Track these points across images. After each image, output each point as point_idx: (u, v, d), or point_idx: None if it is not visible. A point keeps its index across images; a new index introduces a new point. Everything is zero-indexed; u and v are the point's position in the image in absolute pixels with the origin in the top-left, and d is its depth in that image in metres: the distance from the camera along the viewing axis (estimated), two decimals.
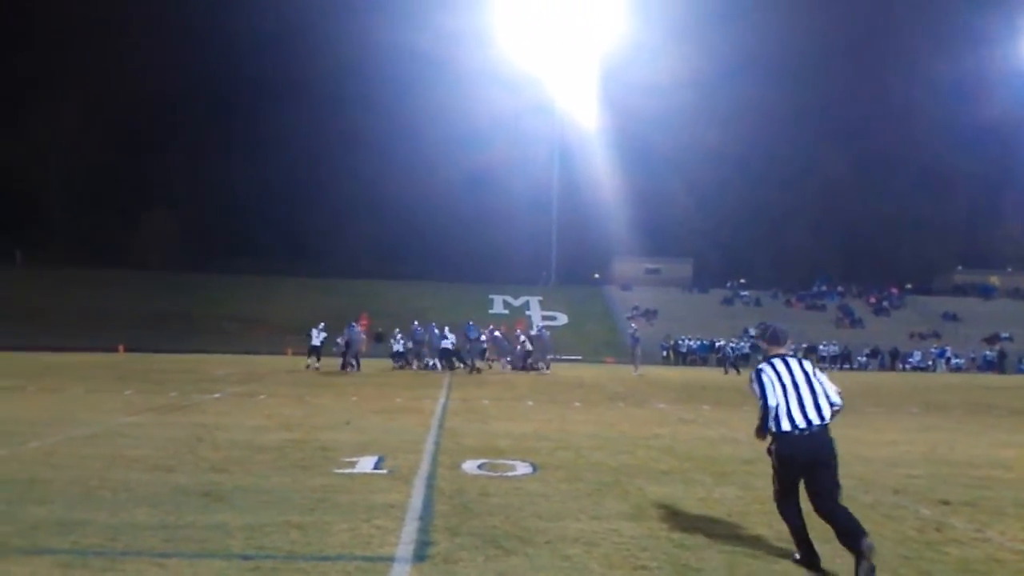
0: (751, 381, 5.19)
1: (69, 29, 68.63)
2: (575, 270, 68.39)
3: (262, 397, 15.48)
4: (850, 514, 4.83)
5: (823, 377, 5.12)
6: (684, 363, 44.02)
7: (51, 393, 15.29)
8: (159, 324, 43.17)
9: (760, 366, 5.22)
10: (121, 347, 36.68)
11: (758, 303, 59.69)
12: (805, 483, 5.01)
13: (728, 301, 60.48)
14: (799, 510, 5.05)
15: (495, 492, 6.75)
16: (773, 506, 5.23)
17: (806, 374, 5.06)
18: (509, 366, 29.68)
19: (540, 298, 58.57)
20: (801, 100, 70.73)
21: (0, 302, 45.97)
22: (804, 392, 4.99)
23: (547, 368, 29.11)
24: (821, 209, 73.32)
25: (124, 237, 68.81)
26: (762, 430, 5.09)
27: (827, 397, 5.03)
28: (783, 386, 5.01)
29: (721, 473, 8.00)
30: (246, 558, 4.75)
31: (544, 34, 62.71)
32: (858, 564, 4.54)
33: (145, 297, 51.32)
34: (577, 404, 15.67)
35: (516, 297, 58.56)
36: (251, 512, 5.83)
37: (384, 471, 7.65)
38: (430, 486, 6.95)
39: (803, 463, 4.98)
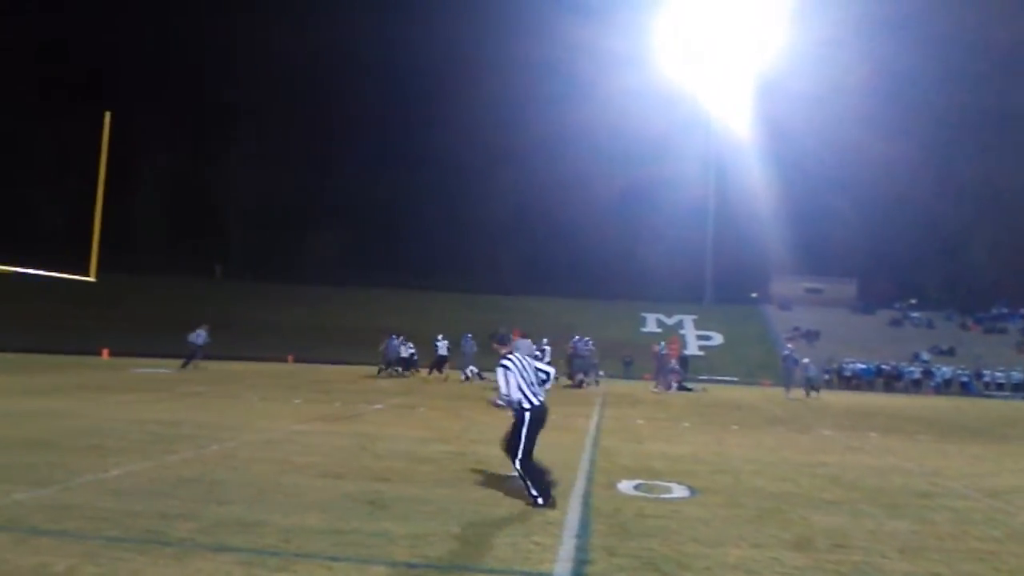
0: (497, 372, 7.16)
1: (256, 66, 73.80)
2: (731, 289, 66.65)
3: (421, 410, 15.93)
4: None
5: (539, 364, 7.46)
6: (848, 387, 41.99)
7: (230, 400, 16.31)
8: (325, 336, 45.24)
9: (503, 361, 7.17)
10: (290, 357, 38.71)
11: (930, 325, 56.31)
12: (532, 439, 7.07)
13: (896, 323, 57.35)
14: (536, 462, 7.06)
15: (652, 514, 6.66)
16: (951, 543, 4.92)
17: (531, 366, 7.32)
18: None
19: (695, 317, 57.50)
20: (978, 107, 66.32)
21: (198, 313, 49.65)
22: (533, 378, 7.20)
23: (595, 383, 28.14)
24: (1001, 224, 68.16)
25: (294, 253, 72.83)
26: (502, 404, 7.53)
27: (543, 381, 7.32)
28: (523, 375, 7.12)
29: (892, 505, 7.57)
30: (410, 566, 4.90)
31: (699, 49, 61.83)
32: (546, 499, 6.73)
33: (313, 310, 54.04)
34: (734, 427, 15.24)
35: (670, 316, 57.73)
36: (414, 521, 6.01)
37: None
38: (586, 504, 6.95)
39: (540, 424, 7.18)
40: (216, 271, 67.71)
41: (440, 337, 30.06)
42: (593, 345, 29.43)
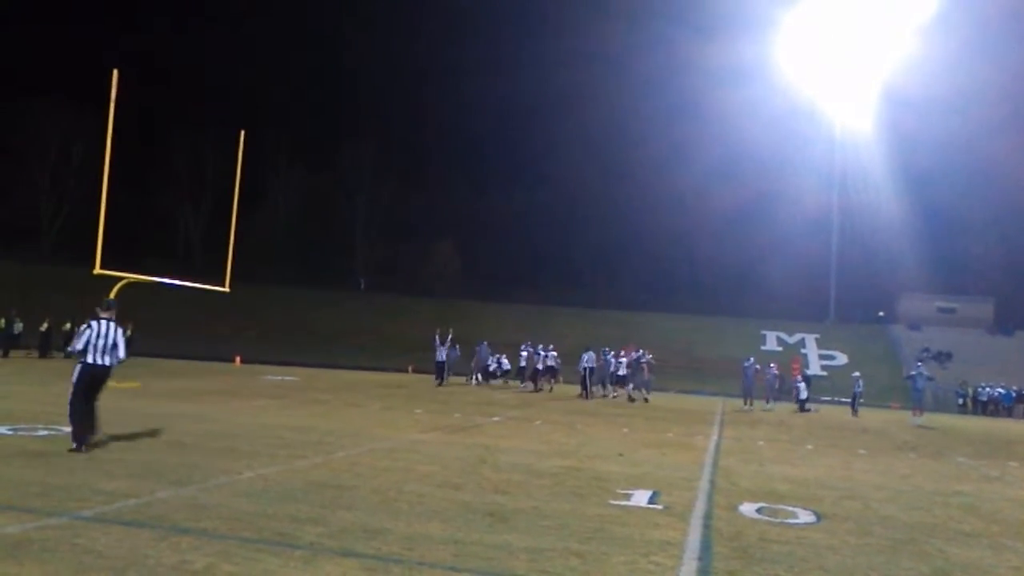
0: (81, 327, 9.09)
1: (369, 83, 76.23)
2: (857, 307, 64.22)
3: (537, 423, 16.00)
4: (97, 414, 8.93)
5: (121, 341, 9.04)
6: (984, 412, 39.72)
7: (354, 408, 16.82)
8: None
9: (89, 322, 8.96)
10: (410, 367, 39.56)
11: None
12: (91, 391, 8.86)
13: None
14: (84, 408, 8.69)
15: (776, 539, 6.48)
16: None
17: (110, 334, 8.94)
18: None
19: (817, 336, 55.71)
20: None
21: (343, 326, 51.56)
22: (104, 344, 8.86)
23: (646, 398, 26.42)
24: None
25: (415, 266, 74.50)
26: (72, 351, 9.08)
27: (116, 352, 9.00)
28: (97, 336, 8.85)
29: None
30: None
31: (823, 59, 60.07)
32: (77, 446, 8.50)
33: (432, 323, 55.06)
34: (862, 451, 14.64)
35: (791, 334, 56.14)
36: (533, 535, 6.04)
37: (659, 506, 7.60)
38: (707, 526, 6.82)
39: (93, 380, 8.87)
40: (361, 283, 69.92)
41: (548, 348, 29.88)
42: (649, 359, 28.56)
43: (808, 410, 27.33)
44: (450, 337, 29.25)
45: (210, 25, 76.66)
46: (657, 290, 71.57)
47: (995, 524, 7.80)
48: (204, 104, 69.84)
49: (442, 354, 29.20)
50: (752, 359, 28.05)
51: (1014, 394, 41.22)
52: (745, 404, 26.73)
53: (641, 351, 28.69)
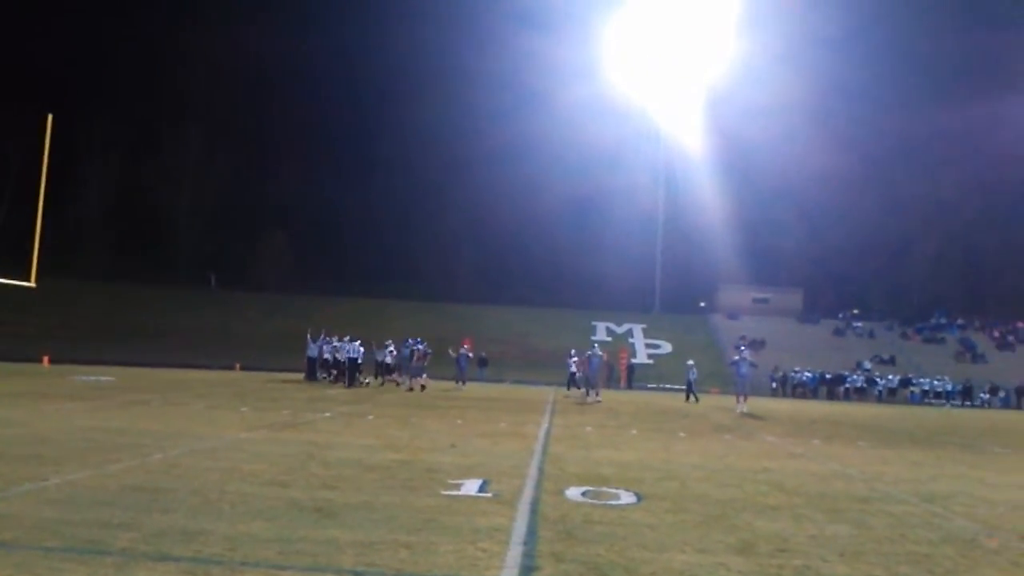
0: None
1: (196, 66, 72.77)
2: (680, 298, 67.52)
3: (370, 418, 15.84)
4: None
5: None
6: (793, 395, 42.77)
7: (175, 407, 16.05)
8: (273, 344, 44.71)
9: None
10: (237, 365, 38.18)
11: (872, 335, 57.69)
12: None
13: (840, 332, 58.65)
14: None
15: (599, 520, 6.72)
16: (889, 546, 5.05)
17: None
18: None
19: (644, 326, 58.06)
20: (919, 123, 68.13)
21: (164, 323, 48.67)
22: None
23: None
24: (941, 237, 70.04)
25: (242, 260, 71.78)
26: None
27: None
28: None
29: (833, 510, 7.74)
30: (357, 574, 4.88)
31: (649, 61, 62.64)
32: None
33: (261, 318, 53.40)
34: (682, 434, 15.43)
35: (619, 324, 58.23)
36: (361, 529, 5.99)
37: (489, 494, 7.71)
38: (534, 511, 6.98)
39: None
40: (211, 280, 66.40)
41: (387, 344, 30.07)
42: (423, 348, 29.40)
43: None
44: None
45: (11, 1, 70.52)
46: (493, 283, 72.48)
47: (797, 497, 8.42)
48: (6, 85, 64.30)
49: (313, 350, 29.45)
50: (596, 347, 28.01)
51: (818, 377, 44.64)
52: (589, 395, 26.47)
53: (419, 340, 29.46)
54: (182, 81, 74.23)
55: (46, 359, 34.35)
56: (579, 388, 28.29)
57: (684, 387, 31.29)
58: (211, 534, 5.63)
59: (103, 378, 25.14)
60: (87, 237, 67.84)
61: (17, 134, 56.96)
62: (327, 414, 16.04)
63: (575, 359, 29.65)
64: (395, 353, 29.97)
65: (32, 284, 20.32)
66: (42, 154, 20.29)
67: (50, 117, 20.11)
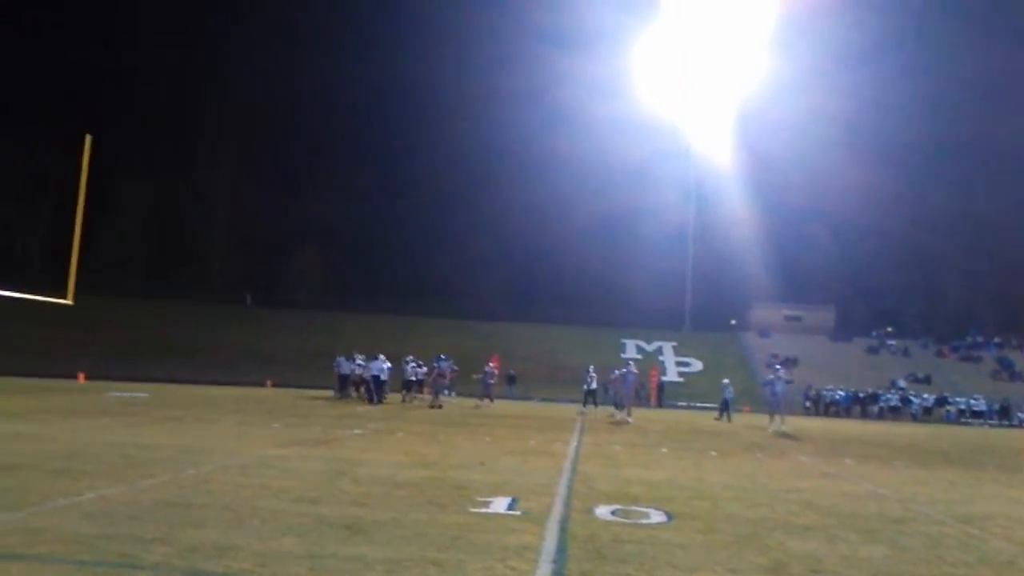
0: None
1: (229, 88, 73.97)
2: (711, 316, 67.02)
3: (399, 435, 15.88)
4: None
5: None
6: (826, 414, 42.24)
7: (207, 424, 16.20)
8: (304, 360, 45.03)
9: None
10: (269, 382, 38.47)
11: (906, 353, 56.87)
12: None
13: (873, 350, 57.90)
14: None
15: (629, 539, 6.67)
16: (924, 568, 4.96)
17: None
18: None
19: (674, 344, 57.75)
20: (954, 137, 67.38)
21: (197, 339, 49.28)
22: None
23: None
24: (978, 254, 68.97)
25: (274, 277, 72.53)
26: None
27: None
28: None
29: (867, 531, 7.62)
30: None
31: (679, 78, 62.57)
32: None
33: (292, 335, 53.79)
34: (713, 453, 15.29)
35: (649, 342, 57.96)
36: (390, 546, 6.00)
37: (518, 512, 7.69)
38: (563, 530, 6.95)
39: None
40: (247, 300, 67.15)
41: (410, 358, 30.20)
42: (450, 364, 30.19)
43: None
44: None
45: (52, 22, 72.12)
46: (520, 300, 72.50)
47: (830, 517, 8.31)
48: (46, 107, 65.65)
49: (345, 368, 29.37)
50: (631, 364, 27.85)
51: (852, 396, 44.04)
52: (618, 413, 26.15)
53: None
54: (216, 103, 75.41)
55: (81, 376, 34.86)
56: (595, 406, 28.04)
57: (718, 406, 31.00)
58: (242, 549, 5.67)
59: (137, 394, 25.46)
60: (123, 255, 68.91)
61: (57, 154, 58.10)
62: (357, 431, 16.10)
63: (593, 376, 29.48)
64: (421, 367, 30.18)
65: (70, 302, 20.62)
66: (80, 174, 20.64)
67: (88, 138, 20.47)
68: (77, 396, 23.88)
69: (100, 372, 35.89)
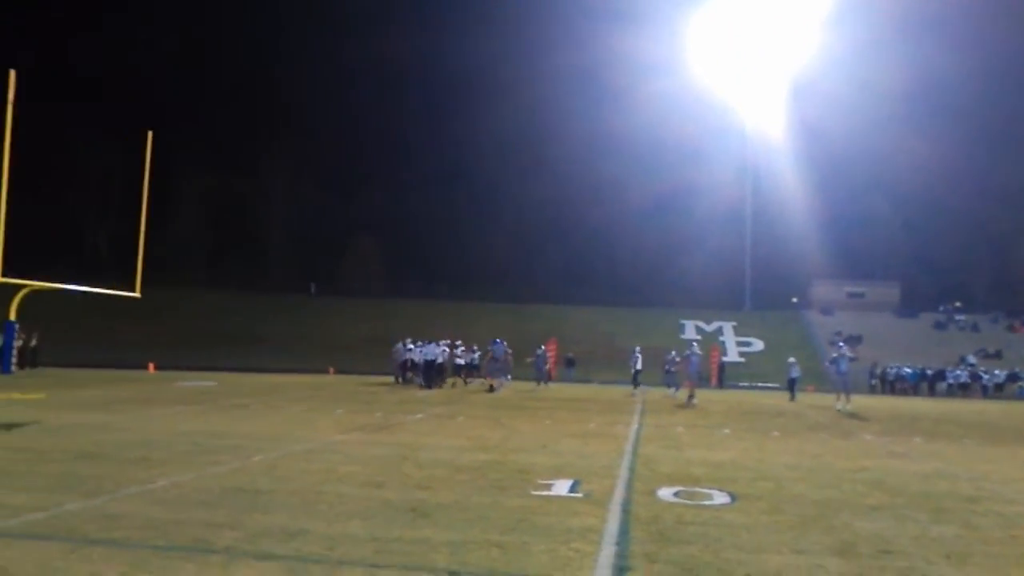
0: None
1: (288, 82, 74.94)
2: (771, 295, 66.04)
3: (460, 419, 16.01)
4: None
5: None
6: (892, 392, 41.37)
7: (273, 411, 16.54)
8: (365, 347, 45.63)
9: None
10: (331, 369, 39.09)
11: (975, 328, 55.32)
12: None
13: (941, 326, 56.48)
14: None
15: (692, 521, 6.64)
16: (998, 548, 4.85)
17: None
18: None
19: (734, 323, 57.08)
20: (1021, 107, 65.06)
21: (262, 329, 50.37)
22: None
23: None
24: None
25: (333, 266, 73.59)
26: None
27: None
28: None
29: (938, 510, 7.46)
30: (451, 573, 4.95)
31: (733, 56, 61.54)
32: None
33: (353, 322, 54.53)
34: (776, 433, 15.10)
35: (709, 323, 57.39)
36: (454, 529, 6.07)
37: (580, 495, 7.71)
38: (626, 512, 6.94)
39: None
40: (312, 289, 68.49)
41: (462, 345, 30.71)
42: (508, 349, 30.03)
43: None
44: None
45: (116, 22, 74.00)
46: (578, 283, 72.33)
47: (899, 497, 8.15)
48: (111, 104, 67.45)
49: (403, 354, 29.74)
50: (695, 344, 27.47)
51: (919, 373, 43.04)
52: (677, 393, 26.57)
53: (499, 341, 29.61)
54: (275, 97, 76.72)
55: (151, 366, 35.86)
56: (640, 386, 28.22)
57: (786, 386, 30.66)
58: (310, 533, 5.79)
59: (205, 383, 26.09)
60: (188, 248, 70.61)
61: (120, 151, 59.71)
62: (418, 416, 16.28)
63: (638, 356, 29.57)
64: (476, 351, 30.56)
65: (137, 295, 21.21)
66: (144, 169, 21.18)
67: (150, 134, 20.97)
68: (148, 386, 24.57)
69: (169, 362, 36.87)
